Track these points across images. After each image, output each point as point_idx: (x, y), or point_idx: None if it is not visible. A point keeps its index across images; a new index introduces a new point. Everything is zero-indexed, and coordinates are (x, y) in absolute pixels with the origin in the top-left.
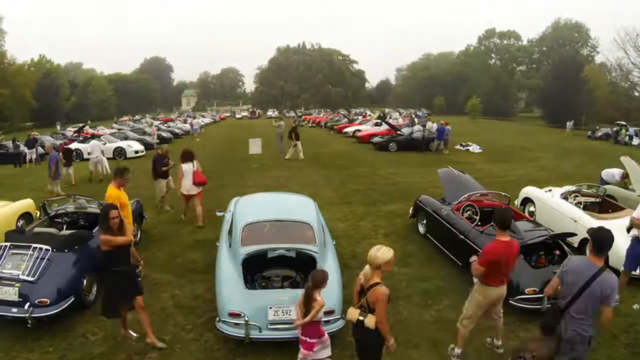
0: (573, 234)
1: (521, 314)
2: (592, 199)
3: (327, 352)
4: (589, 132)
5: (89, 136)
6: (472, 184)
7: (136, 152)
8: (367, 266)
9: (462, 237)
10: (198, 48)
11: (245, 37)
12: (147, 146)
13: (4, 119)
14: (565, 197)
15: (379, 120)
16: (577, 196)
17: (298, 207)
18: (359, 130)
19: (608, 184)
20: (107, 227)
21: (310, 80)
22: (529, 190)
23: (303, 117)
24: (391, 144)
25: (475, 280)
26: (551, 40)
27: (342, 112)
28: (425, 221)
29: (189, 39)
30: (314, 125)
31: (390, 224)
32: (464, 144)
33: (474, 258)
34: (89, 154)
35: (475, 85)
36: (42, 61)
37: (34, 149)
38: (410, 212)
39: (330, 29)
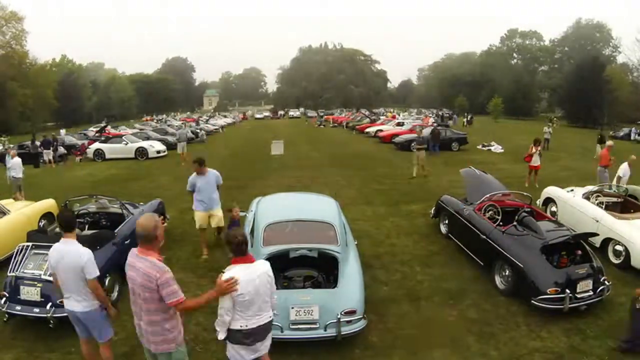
0: (595, 234)
1: (543, 315)
2: (614, 199)
3: None
4: (611, 132)
5: (110, 136)
6: (494, 184)
7: (158, 152)
8: None
9: (484, 237)
10: (220, 48)
11: (268, 37)
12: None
13: (26, 118)
14: (587, 197)
15: (401, 121)
16: (599, 196)
17: (320, 207)
18: (381, 130)
19: None
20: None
21: (333, 80)
22: (551, 190)
23: (325, 117)
24: (413, 144)
25: None
26: (573, 41)
27: (363, 112)
28: (447, 221)
29: (211, 38)
30: (336, 125)
31: (412, 224)
32: (485, 144)
33: None
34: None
35: (497, 85)
36: (63, 61)
37: (50, 150)
38: (432, 212)
39: (353, 29)
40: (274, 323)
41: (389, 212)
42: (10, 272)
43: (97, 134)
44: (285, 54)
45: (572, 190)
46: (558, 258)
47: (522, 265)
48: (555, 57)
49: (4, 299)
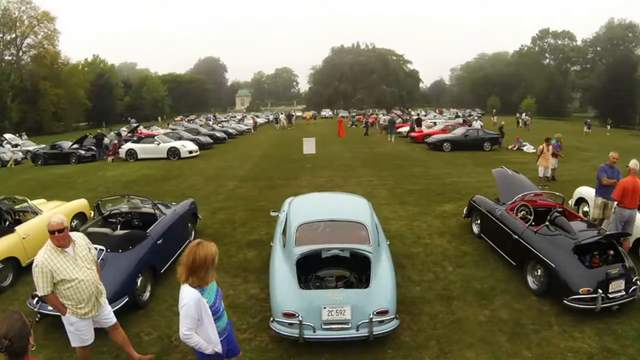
0: (627, 234)
1: (575, 315)
2: None
3: None
4: None
5: (143, 136)
6: (526, 184)
7: (190, 152)
8: None
9: (516, 237)
10: (252, 48)
11: (300, 37)
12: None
13: (58, 118)
14: None
15: (433, 121)
16: None
17: (352, 207)
18: (413, 130)
19: None
20: None
21: (365, 80)
22: (583, 190)
23: (357, 117)
24: (445, 144)
25: None
26: (605, 41)
27: (396, 112)
28: (479, 221)
29: (243, 39)
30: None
31: (445, 224)
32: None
33: None
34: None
35: (530, 86)
36: (96, 61)
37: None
38: (465, 212)
39: (385, 28)
40: (304, 323)
41: (422, 212)
42: None
43: (129, 134)
44: (317, 54)
45: None
46: (590, 258)
47: (554, 265)
48: (587, 57)
49: (36, 299)
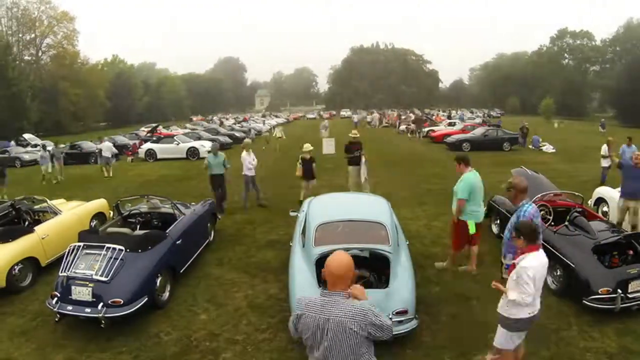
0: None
1: (594, 315)
2: None
3: None
4: None
5: (162, 136)
6: (546, 184)
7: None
8: None
9: None
10: (272, 48)
11: (319, 37)
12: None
13: (77, 118)
14: None
15: (452, 121)
16: None
17: (371, 207)
18: (433, 130)
19: None
20: None
21: (384, 81)
22: (603, 190)
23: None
24: (464, 144)
25: None
26: (624, 41)
27: (415, 112)
28: (498, 221)
29: (263, 39)
30: (387, 125)
31: None
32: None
33: None
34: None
35: (549, 86)
36: (115, 61)
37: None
38: (484, 212)
39: (405, 28)
40: None
41: (441, 211)
42: (61, 272)
43: (148, 134)
44: (337, 54)
45: None
46: (609, 258)
47: (573, 265)
48: (606, 57)
49: (56, 299)
